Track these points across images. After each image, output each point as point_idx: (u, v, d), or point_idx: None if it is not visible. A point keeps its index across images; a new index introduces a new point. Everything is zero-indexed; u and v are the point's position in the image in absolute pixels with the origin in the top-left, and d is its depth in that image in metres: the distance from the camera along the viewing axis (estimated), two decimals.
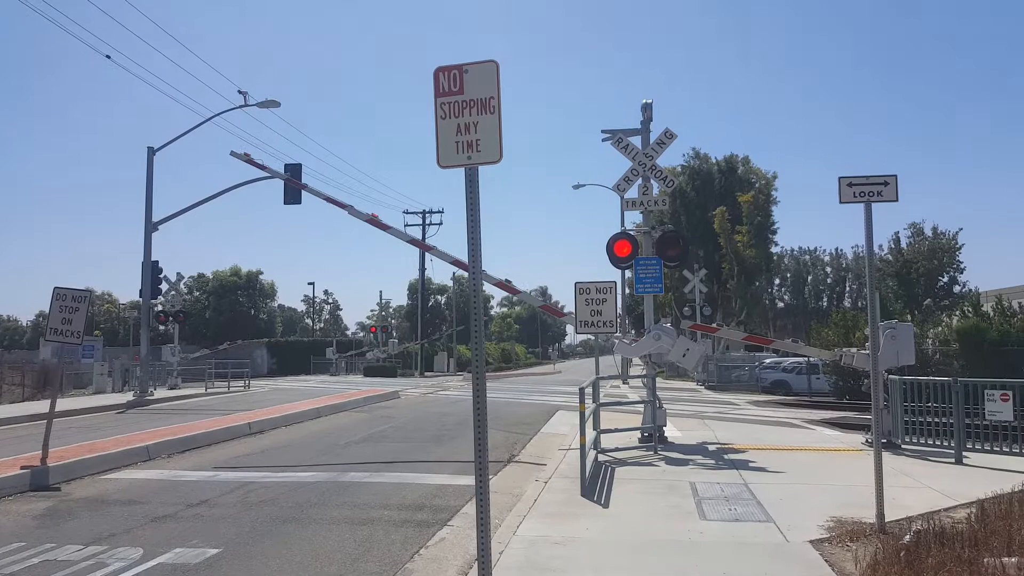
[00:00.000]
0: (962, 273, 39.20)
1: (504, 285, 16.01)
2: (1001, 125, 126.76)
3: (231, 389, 30.90)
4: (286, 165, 24.97)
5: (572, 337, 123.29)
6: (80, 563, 6.35)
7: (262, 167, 19.90)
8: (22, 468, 10.15)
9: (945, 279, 38.72)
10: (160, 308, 30.87)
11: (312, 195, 18.11)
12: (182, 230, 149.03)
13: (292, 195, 24.47)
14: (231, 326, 66.49)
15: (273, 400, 24.24)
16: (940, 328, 26.26)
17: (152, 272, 26.50)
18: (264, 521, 7.86)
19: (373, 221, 16.47)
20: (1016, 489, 7.33)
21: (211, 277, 71.52)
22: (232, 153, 21.46)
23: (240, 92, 26.78)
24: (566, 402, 22.19)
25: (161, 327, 35.54)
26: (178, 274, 34.74)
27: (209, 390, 30.20)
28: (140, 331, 26.61)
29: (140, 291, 26.94)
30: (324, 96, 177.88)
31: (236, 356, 49.82)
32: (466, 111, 4.27)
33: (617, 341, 15.45)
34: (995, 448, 11.08)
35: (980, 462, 10.70)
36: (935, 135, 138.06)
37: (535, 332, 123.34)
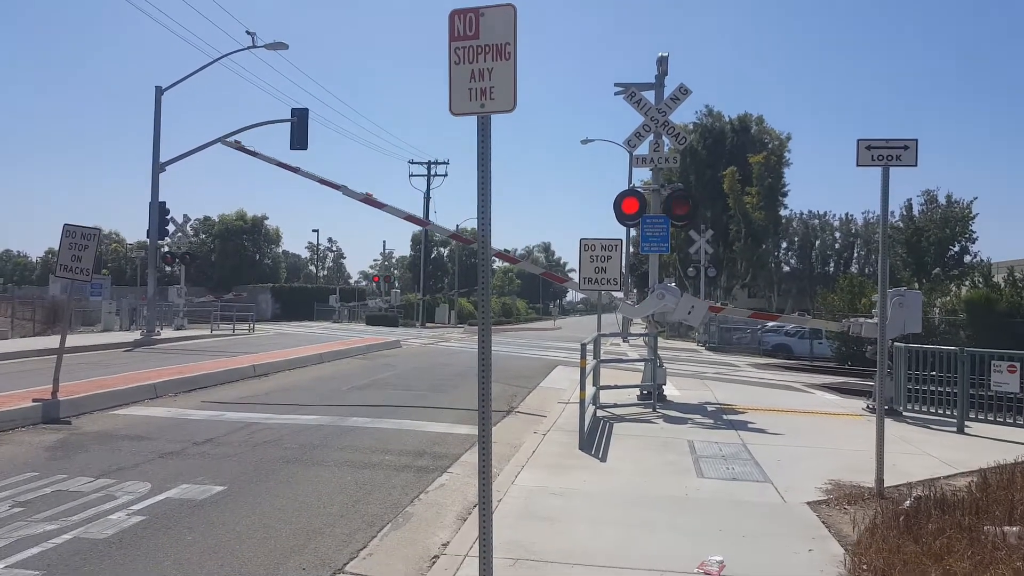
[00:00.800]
0: (974, 243, 38.76)
1: (503, 255, 15.85)
2: (1019, 95, 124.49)
3: (236, 332, 31.08)
4: (293, 110, 24.76)
5: (574, 294, 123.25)
6: (91, 495, 6.44)
7: (254, 153, 19.62)
8: (34, 401, 10.27)
9: (956, 248, 38.32)
10: (167, 249, 30.85)
11: (306, 177, 17.76)
12: (189, 173, 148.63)
13: (299, 140, 24.29)
14: (236, 270, 66.53)
15: (277, 344, 24.38)
16: (948, 298, 26.20)
17: (160, 213, 26.43)
18: (268, 461, 7.95)
19: (369, 200, 16.18)
20: (1019, 459, 7.32)
21: (217, 220, 71.26)
22: (223, 141, 21.32)
23: (248, 33, 26.36)
24: (566, 357, 22.29)
25: (168, 268, 35.64)
26: (185, 216, 34.49)
27: (214, 332, 30.42)
28: (147, 271, 26.63)
29: (147, 231, 26.93)
30: (334, 44, 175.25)
31: (241, 300, 50.14)
32: (481, 57, 4.13)
33: (621, 303, 15.42)
34: (998, 419, 11.08)
35: (982, 432, 10.71)
36: (952, 102, 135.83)
37: (536, 288, 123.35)
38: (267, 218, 73.68)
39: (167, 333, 27.29)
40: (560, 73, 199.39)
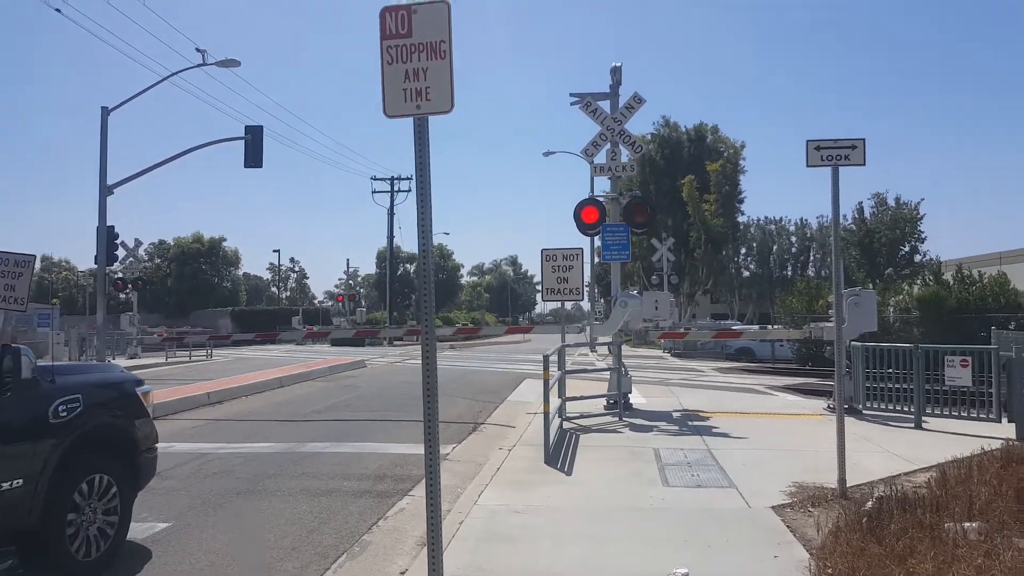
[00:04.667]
0: (923, 243, 39.76)
1: (467, 328, 15.60)
2: (963, 98, 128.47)
3: (193, 358, 30.39)
4: (247, 127, 24.25)
5: (542, 306, 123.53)
6: None
7: None
8: None
9: (907, 248, 39.24)
10: (119, 275, 30.12)
11: None
12: (142, 195, 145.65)
13: (253, 158, 23.83)
14: (194, 294, 65.26)
15: (235, 370, 23.85)
16: (901, 296, 26.69)
17: (108, 237, 25.65)
18: (218, 493, 7.65)
19: None
20: (974, 453, 7.39)
21: (172, 244, 69.90)
22: None
23: (199, 50, 25.83)
24: (534, 370, 22.16)
25: (120, 295, 34.79)
26: (136, 240, 33.94)
27: (170, 359, 29.68)
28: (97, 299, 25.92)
29: (96, 257, 26.22)
30: (289, 59, 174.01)
31: (200, 325, 49.10)
32: (415, 56, 3.99)
33: (590, 327, 15.36)
34: (953, 413, 11.24)
35: (939, 427, 10.84)
36: (900, 107, 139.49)
37: (505, 301, 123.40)
38: (225, 240, 72.55)
39: (120, 363, 26.54)
40: (521, 85, 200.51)
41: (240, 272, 79.93)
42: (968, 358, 10.91)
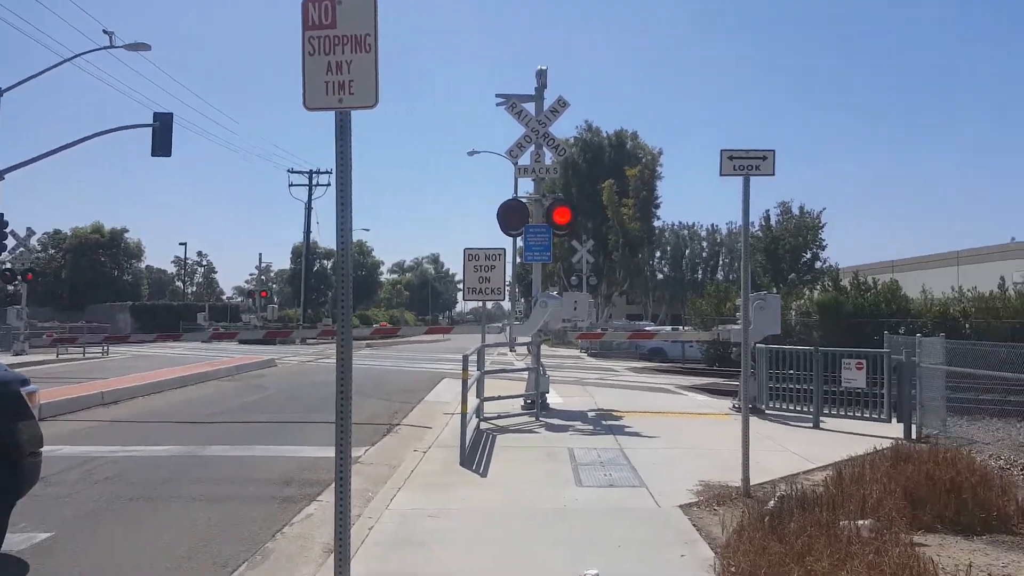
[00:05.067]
0: (824, 250, 41.53)
1: (384, 329, 15.40)
2: (861, 115, 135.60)
3: (87, 355, 28.81)
4: (156, 114, 23.29)
5: (463, 305, 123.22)
6: None
7: None
8: None
9: (808, 255, 40.95)
10: (7, 266, 28.30)
11: None
12: (40, 182, 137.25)
13: (161, 147, 22.87)
14: (91, 287, 61.86)
15: (134, 368, 22.75)
16: (802, 301, 27.91)
17: None
18: (108, 500, 7.21)
19: None
20: (868, 452, 7.75)
21: (69, 234, 66.18)
22: None
23: (106, 32, 24.64)
24: (452, 370, 22.01)
25: (9, 287, 32.70)
26: (28, 229, 31.85)
27: (61, 356, 27.96)
28: None
29: None
30: (203, 45, 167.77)
31: (96, 320, 46.63)
32: (339, 48, 3.86)
33: (509, 327, 15.39)
34: (849, 413, 11.79)
35: (835, 426, 11.34)
36: (804, 118, 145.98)
37: (426, 299, 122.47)
38: (127, 231, 69.28)
39: (4, 359, 24.93)
40: (447, 84, 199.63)
41: (143, 265, 76.54)
42: (863, 361, 11.48)
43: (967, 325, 21.51)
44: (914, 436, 10.36)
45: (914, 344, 10.78)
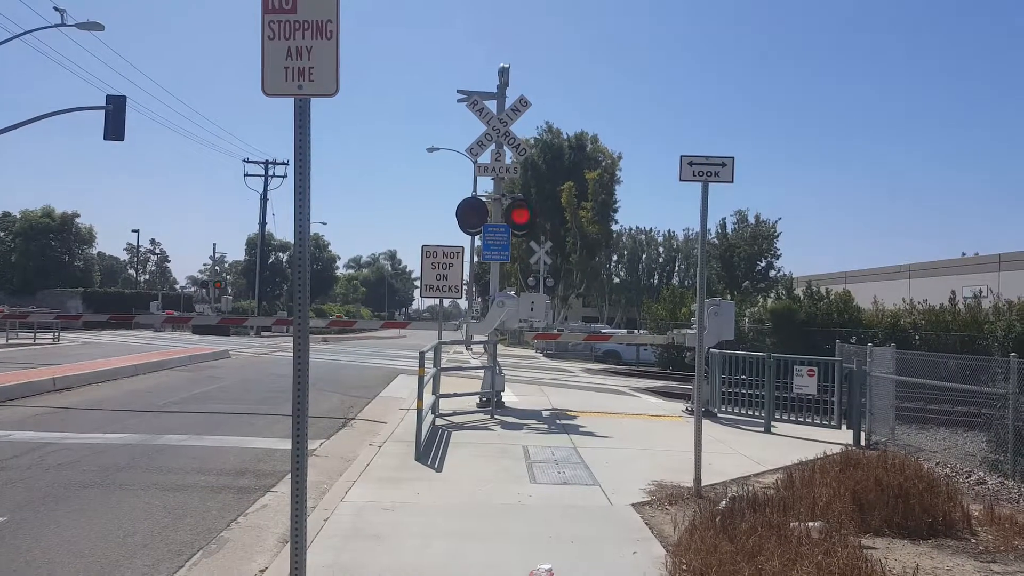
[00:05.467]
0: (778, 259, 42.44)
1: (339, 321, 15.29)
2: (822, 128, 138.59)
3: (37, 341, 28.08)
4: (108, 97, 22.82)
5: (420, 302, 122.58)
6: None
7: None
8: None
9: (763, 264, 41.76)
10: None
11: None
12: None
13: (114, 130, 22.40)
14: (41, 272, 60.15)
15: (86, 355, 22.24)
16: (756, 308, 28.43)
17: None
18: (62, 486, 7.12)
19: None
20: (817, 457, 7.96)
21: (19, 217, 64.16)
22: None
23: (57, 9, 23.92)
24: (408, 366, 21.94)
25: None
26: None
27: (11, 341, 27.30)
28: None
29: None
30: (159, 26, 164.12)
31: (47, 306, 45.41)
32: (299, 33, 3.83)
33: (466, 321, 15.41)
34: (800, 419, 12.07)
35: (786, 431, 11.62)
36: (765, 131, 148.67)
37: (382, 295, 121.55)
38: (79, 216, 67.18)
39: None
40: (408, 80, 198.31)
41: (94, 251, 74.42)
42: (814, 368, 11.77)
43: (917, 337, 22.09)
44: (863, 443, 10.66)
45: (865, 353, 11.08)
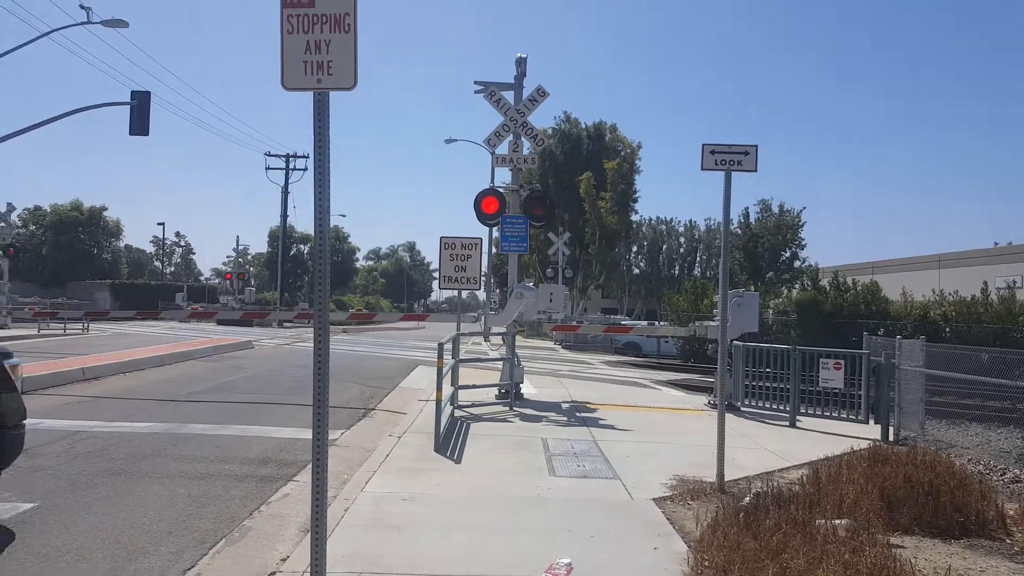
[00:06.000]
0: (803, 249, 41.87)
1: (360, 314, 15.19)
2: (847, 118, 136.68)
3: (68, 332, 28.53)
4: (133, 92, 23.01)
5: (438, 293, 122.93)
6: None
7: None
8: None
9: (787, 254, 41.27)
10: None
11: None
12: (16, 158, 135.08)
13: (139, 126, 22.60)
14: (71, 265, 61.23)
15: (114, 345, 22.56)
16: (780, 299, 28.15)
17: None
18: (90, 474, 7.23)
19: None
20: (844, 453, 7.82)
21: (49, 211, 65.30)
22: None
23: (83, 7, 24.21)
24: (427, 357, 22.02)
25: None
26: (9, 204, 31.64)
27: (42, 331, 27.81)
28: None
29: None
30: (182, 23, 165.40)
31: (76, 297, 46.16)
32: (317, 27, 3.83)
33: (484, 316, 15.39)
34: (825, 413, 11.89)
35: (812, 426, 11.45)
36: (787, 120, 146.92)
37: (401, 287, 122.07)
38: (106, 209, 68.36)
39: None
40: (425, 72, 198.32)
41: (121, 244, 75.53)
42: (841, 361, 11.57)
43: (948, 329, 21.71)
44: (892, 438, 10.45)
45: (893, 346, 10.86)
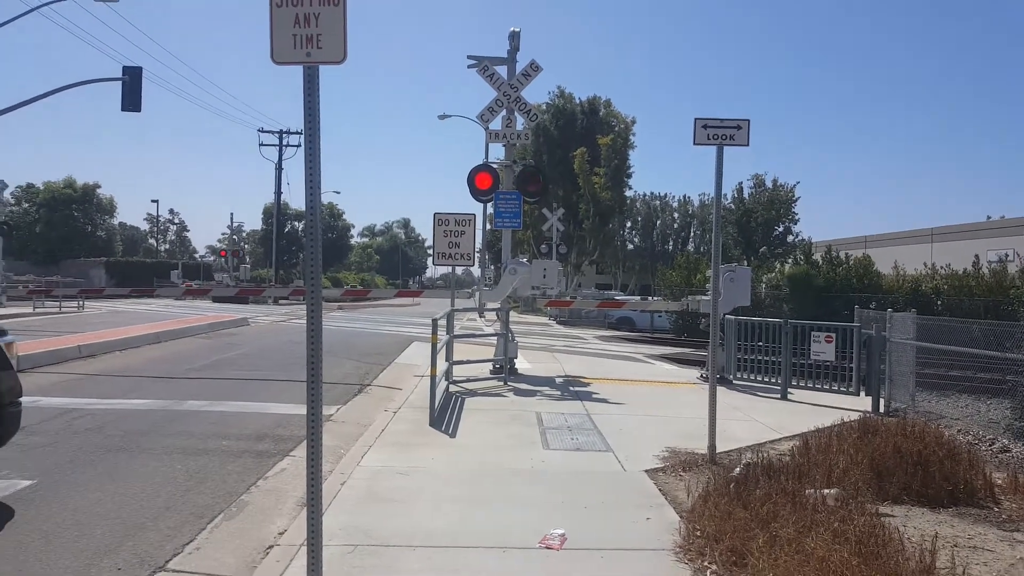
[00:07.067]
0: (796, 224, 41.76)
1: (355, 291, 15.15)
2: (839, 90, 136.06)
3: (63, 309, 28.50)
4: (125, 68, 22.84)
5: (433, 270, 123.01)
6: None
7: None
8: None
9: (780, 229, 41.22)
10: None
11: None
12: (8, 135, 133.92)
13: (131, 101, 22.45)
14: (65, 242, 60.97)
15: (109, 323, 22.57)
16: (773, 274, 28.22)
17: None
18: (88, 450, 7.29)
19: None
20: (834, 424, 7.91)
21: (42, 188, 64.87)
22: None
23: None
24: (422, 333, 22.06)
25: None
26: (1, 182, 31.44)
27: (38, 309, 27.79)
28: None
29: None
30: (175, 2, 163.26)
31: (71, 275, 46.02)
32: (307, 0, 3.83)
33: (479, 289, 15.45)
34: (816, 386, 12.02)
35: (802, 398, 11.59)
36: (782, 92, 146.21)
37: (396, 263, 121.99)
38: (100, 187, 67.88)
39: None
40: (418, 46, 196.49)
41: (115, 221, 75.10)
42: (832, 335, 11.67)
43: (939, 302, 21.79)
44: (882, 410, 10.54)
45: (885, 319, 10.94)
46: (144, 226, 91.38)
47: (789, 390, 11.89)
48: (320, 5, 3.81)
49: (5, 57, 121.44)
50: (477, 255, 14.82)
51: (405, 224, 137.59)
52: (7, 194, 30.37)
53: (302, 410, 9.51)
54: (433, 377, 9.13)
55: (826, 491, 5.55)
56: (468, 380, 12.31)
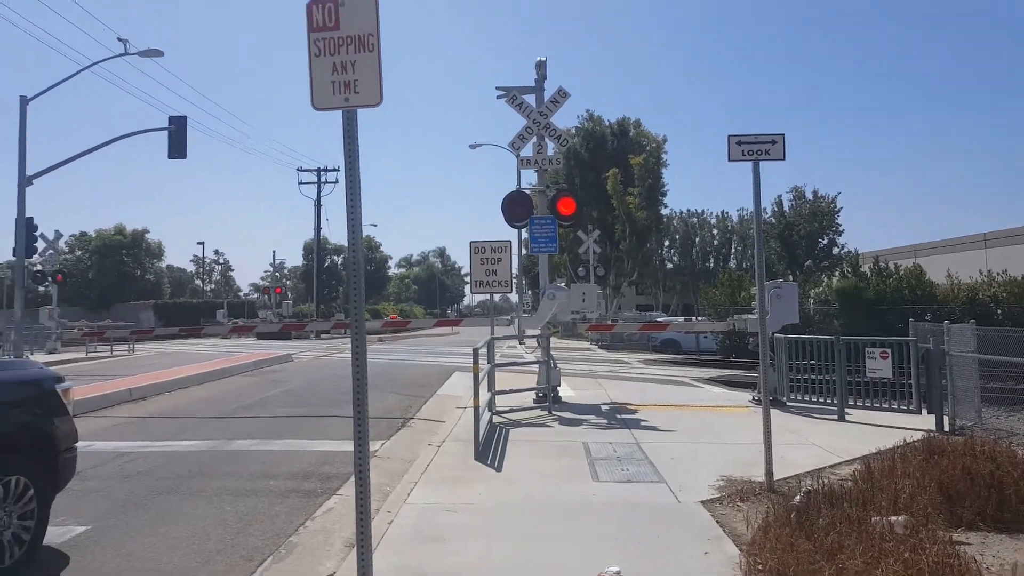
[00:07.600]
0: (841, 235, 40.89)
1: (394, 322, 15.29)
2: (879, 93, 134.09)
3: (114, 353, 29.20)
4: (170, 118, 23.57)
5: (471, 297, 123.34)
6: None
7: None
8: None
9: (825, 241, 40.38)
10: (38, 268, 28.74)
11: None
12: (63, 186, 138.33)
13: (177, 149, 23.08)
14: (115, 287, 62.75)
15: (158, 365, 23.00)
16: (820, 288, 27.59)
17: (27, 229, 24.51)
18: (140, 494, 7.34)
19: None
20: (897, 445, 7.57)
21: (94, 236, 67.02)
22: None
23: (120, 40, 24.88)
24: (463, 363, 22.00)
25: (39, 288, 33.26)
26: (56, 232, 32.66)
27: (90, 354, 28.55)
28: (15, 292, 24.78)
29: (13, 249, 25.03)
30: (214, 49, 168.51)
31: (121, 318, 47.19)
32: (343, 48, 3.94)
33: (518, 319, 15.32)
34: (874, 404, 11.54)
35: (861, 418, 11.13)
36: (819, 101, 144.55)
37: (433, 292, 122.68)
38: (148, 231, 70.02)
39: (38, 357, 25.30)
40: (447, 79, 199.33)
41: (163, 264, 77.14)
42: (888, 350, 11.20)
43: (999, 311, 20.99)
44: (947, 428, 10.03)
45: (942, 331, 10.43)
46: (190, 267, 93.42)
47: (846, 410, 11.45)
48: (356, 52, 3.95)
49: (60, 113, 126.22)
50: (514, 281, 14.74)
51: (441, 253, 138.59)
52: (62, 243, 31.33)
53: (347, 446, 9.48)
54: (476, 409, 9.02)
55: (893, 518, 5.27)
56: (511, 410, 12.17)
